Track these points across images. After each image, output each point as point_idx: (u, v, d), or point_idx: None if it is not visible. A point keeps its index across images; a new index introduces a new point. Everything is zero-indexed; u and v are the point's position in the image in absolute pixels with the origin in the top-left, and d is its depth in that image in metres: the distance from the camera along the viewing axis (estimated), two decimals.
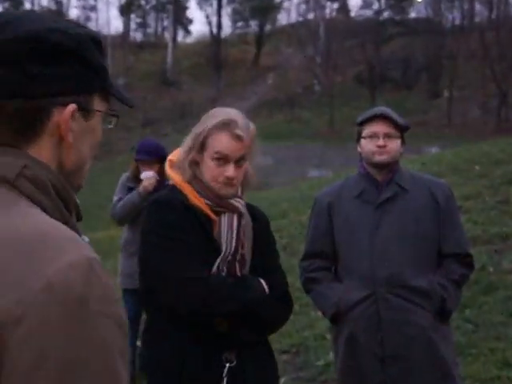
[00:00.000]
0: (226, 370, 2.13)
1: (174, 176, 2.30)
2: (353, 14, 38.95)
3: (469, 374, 4.35)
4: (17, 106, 0.96)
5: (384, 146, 2.93)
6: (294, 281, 6.68)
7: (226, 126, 2.21)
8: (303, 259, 3.17)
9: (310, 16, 37.74)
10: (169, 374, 2.16)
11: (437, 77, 31.73)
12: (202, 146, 2.24)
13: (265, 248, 2.34)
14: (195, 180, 2.26)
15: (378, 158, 2.94)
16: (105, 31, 41.81)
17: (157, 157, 4.43)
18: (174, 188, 2.29)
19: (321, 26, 32.73)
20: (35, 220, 0.91)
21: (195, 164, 2.26)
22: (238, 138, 2.21)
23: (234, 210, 2.25)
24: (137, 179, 4.58)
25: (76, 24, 1.07)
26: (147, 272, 2.21)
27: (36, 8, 39.69)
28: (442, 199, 2.98)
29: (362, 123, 3.02)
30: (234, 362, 2.16)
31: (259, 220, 2.38)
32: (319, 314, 5.86)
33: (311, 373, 4.93)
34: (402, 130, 3.01)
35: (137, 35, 46.89)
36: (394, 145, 2.96)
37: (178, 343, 2.16)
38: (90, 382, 0.83)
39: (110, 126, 1.12)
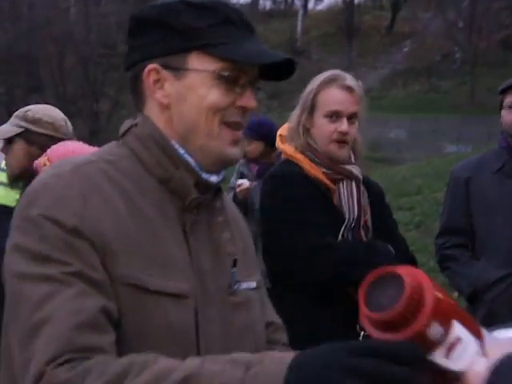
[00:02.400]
0: (360, 339, 2.14)
1: (286, 148, 2.35)
2: None
3: None
4: (128, 75, 1.21)
5: None
6: (427, 260, 6.58)
7: (334, 79, 2.25)
8: (439, 236, 3.16)
9: None
10: (301, 344, 2.22)
11: None
12: (312, 106, 2.27)
13: (382, 217, 2.37)
14: (309, 148, 2.28)
15: None
16: (234, 0, 42.64)
17: (258, 134, 4.16)
18: (287, 161, 2.34)
19: None
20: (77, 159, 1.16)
21: (307, 131, 2.29)
22: (349, 89, 2.23)
23: (351, 176, 2.28)
24: (248, 162, 4.34)
25: None
26: (277, 247, 2.24)
27: None
28: None
29: (504, 91, 2.95)
30: None
31: (374, 189, 2.41)
32: (454, 296, 5.78)
33: None
34: None
35: (266, 3, 47.29)
36: None
37: (311, 315, 2.19)
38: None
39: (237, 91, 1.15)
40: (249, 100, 1.16)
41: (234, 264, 1.20)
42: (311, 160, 2.28)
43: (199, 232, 1.17)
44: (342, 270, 2.15)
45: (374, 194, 2.39)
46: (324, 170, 2.27)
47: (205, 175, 1.18)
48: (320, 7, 45.54)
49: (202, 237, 1.17)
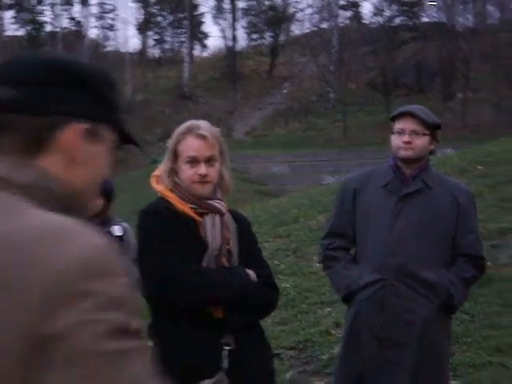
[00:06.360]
0: (225, 353, 2.34)
1: (158, 187, 2.54)
2: (365, 21, 39.00)
3: (463, 360, 4.57)
4: (34, 120, 1.06)
5: (409, 143, 3.04)
6: (303, 282, 6.92)
7: (190, 129, 2.49)
8: (325, 237, 3.28)
9: (324, 25, 37.88)
10: (171, 362, 2.11)
11: (450, 80, 31.68)
12: (174, 154, 2.50)
13: (248, 245, 2.59)
14: (176, 187, 2.49)
15: (403, 153, 3.07)
16: (123, 49, 42.55)
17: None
18: (160, 198, 2.54)
19: (334, 34, 32.82)
20: (47, 215, 0.99)
21: (174, 173, 2.50)
22: (202, 137, 2.46)
23: (215, 210, 2.49)
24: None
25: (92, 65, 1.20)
26: (146, 273, 2.39)
27: (57, 29, 40.36)
28: (463, 202, 3.07)
29: (393, 119, 3.16)
30: (233, 346, 2.37)
31: (241, 222, 2.64)
32: (326, 310, 6.07)
33: (316, 366, 5.07)
34: (431, 127, 3.08)
35: (154, 52, 47.44)
36: (420, 142, 3.05)
37: (178, 333, 2.34)
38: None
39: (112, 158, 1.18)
40: None
41: None
42: (179, 197, 2.47)
43: None
44: (203, 293, 2.34)
45: (242, 227, 2.60)
46: (191, 205, 2.46)
47: None
48: (205, 54, 46.36)
49: None
